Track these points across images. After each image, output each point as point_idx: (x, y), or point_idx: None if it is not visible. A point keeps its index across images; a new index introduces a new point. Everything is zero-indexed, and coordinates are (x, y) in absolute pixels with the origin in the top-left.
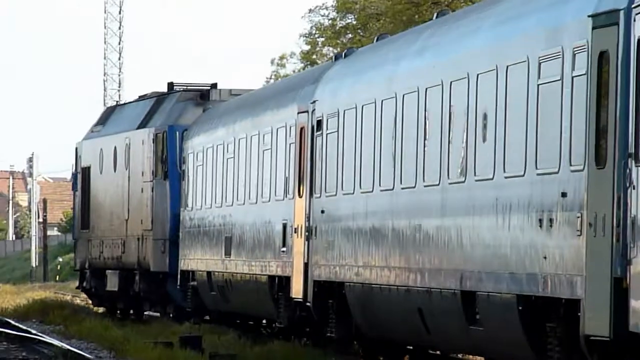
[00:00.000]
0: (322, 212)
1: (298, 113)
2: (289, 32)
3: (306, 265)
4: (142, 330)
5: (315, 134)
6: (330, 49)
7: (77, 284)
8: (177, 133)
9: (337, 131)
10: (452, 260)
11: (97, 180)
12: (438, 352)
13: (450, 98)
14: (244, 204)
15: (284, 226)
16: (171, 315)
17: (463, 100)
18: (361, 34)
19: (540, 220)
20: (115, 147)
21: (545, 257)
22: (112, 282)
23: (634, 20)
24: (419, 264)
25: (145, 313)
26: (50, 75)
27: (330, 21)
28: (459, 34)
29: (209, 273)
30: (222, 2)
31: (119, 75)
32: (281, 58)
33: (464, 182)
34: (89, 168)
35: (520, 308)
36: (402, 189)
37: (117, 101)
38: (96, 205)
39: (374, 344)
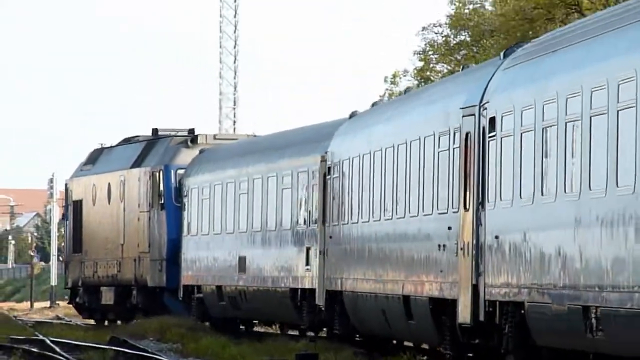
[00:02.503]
0: (330, 237)
1: (321, 161)
2: (401, 50)
3: None
4: (259, 348)
5: (327, 177)
6: (444, 65)
7: None
8: (172, 171)
9: (339, 177)
10: (398, 273)
11: (90, 211)
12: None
13: (397, 157)
14: (260, 230)
15: (307, 249)
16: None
17: (404, 159)
18: (475, 50)
19: (439, 245)
20: (109, 183)
21: (441, 271)
22: (107, 297)
23: (480, 114)
24: (382, 277)
25: None
26: (166, 92)
27: (443, 38)
28: (405, 110)
29: (219, 287)
30: (330, 22)
31: (234, 94)
32: (394, 76)
33: (404, 217)
34: (80, 201)
35: (431, 306)
36: (374, 221)
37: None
38: (89, 232)
39: (367, 339)
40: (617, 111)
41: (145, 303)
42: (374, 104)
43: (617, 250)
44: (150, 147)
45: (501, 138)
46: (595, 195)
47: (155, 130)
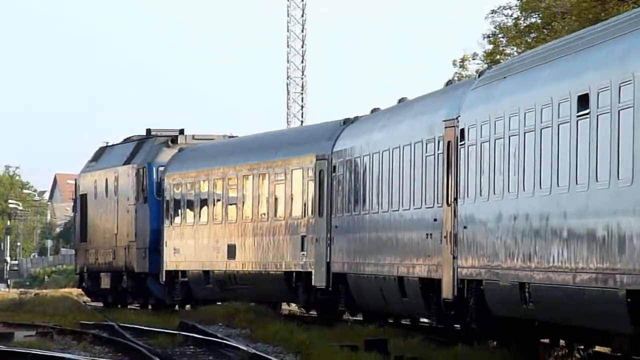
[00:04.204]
0: (336, 227)
1: (316, 160)
2: (469, 33)
3: (328, 263)
4: (327, 334)
5: (332, 175)
6: (514, 48)
7: None
8: (154, 168)
9: (343, 174)
10: (393, 257)
11: (93, 205)
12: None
13: (392, 160)
14: (251, 220)
15: (303, 237)
16: (149, 306)
17: (397, 162)
18: (545, 33)
19: (427, 234)
20: (106, 179)
21: (429, 255)
22: (105, 282)
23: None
24: (380, 261)
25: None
26: (233, 79)
27: (513, 21)
28: (397, 120)
29: (205, 271)
30: (397, 4)
31: (302, 78)
32: (463, 60)
33: (398, 210)
34: (85, 195)
35: (420, 285)
36: (374, 213)
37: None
38: (92, 223)
39: (367, 314)
40: (540, 129)
41: (133, 287)
42: (373, 110)
43: (541, 238)
44: (140, 146)
45: (468, 146)
46: (526, 195)
47: (148, 131)
